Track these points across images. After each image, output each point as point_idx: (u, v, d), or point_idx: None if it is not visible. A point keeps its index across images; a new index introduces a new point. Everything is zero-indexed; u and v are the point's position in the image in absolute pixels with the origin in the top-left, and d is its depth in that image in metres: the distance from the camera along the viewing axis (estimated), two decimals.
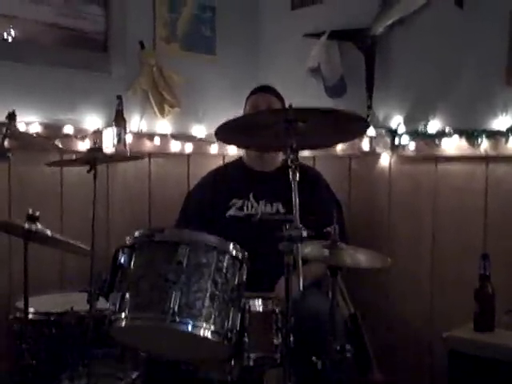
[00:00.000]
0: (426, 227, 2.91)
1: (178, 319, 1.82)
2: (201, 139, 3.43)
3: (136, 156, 2.27)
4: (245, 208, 2.76)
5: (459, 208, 2.80)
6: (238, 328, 1.94)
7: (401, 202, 3.02)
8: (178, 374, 2.25)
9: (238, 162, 2.97)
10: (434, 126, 2.87)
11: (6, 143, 2.41)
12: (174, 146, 3.35)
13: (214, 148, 3.48)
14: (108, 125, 3.07)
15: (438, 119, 2.87)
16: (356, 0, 3.18)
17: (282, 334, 2.07)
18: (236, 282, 1.97)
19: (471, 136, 2.72)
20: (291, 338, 1.96)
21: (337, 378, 2.24)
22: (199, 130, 3.45)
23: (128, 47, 3.20)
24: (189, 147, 3.40)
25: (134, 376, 2.16)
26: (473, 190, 2.75)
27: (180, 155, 3.38)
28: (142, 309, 1.86)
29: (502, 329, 2.41)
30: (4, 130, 2.39)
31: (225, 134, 2.07)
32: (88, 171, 2.05)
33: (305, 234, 1.90)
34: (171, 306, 1.82)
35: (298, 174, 1.90)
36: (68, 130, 2.97)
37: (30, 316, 2.35)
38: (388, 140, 3.01)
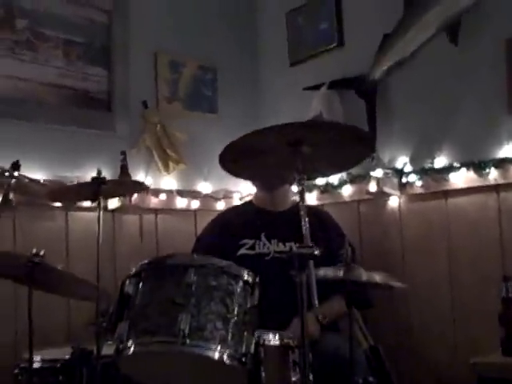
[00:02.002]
0: (441, 263, 2.84)
1: (188, 342, 1.72)
2: (207, 195, 3.43)
3: (138, 182, 2.19)
4: (256, 247, 2.69)
5: (474, 239, 2.74)
6: (252, 353, 1.84)
7: (414, 240, 2.96)
8: None
9: (248, 203, 2.95)
10: (440, 161, 2.86)
11: (11, 195, 2.42)
12: (180, 203, 3.34)
13: (220, 204, 3.47)
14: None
15: (444, 155, 2.86)
16: (352, 49, 3.26)
17: (299, 369, 1.98)
18: (248, 305, 1.88)
19: (479, 167, 2.70)
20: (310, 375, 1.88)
21: None
22: (205, 187, 3.44)
23: (131, 106, 3.25)
24: (195, 204, 3.39)
25: None
26: (486, 220, 2.70)
27: (186, 211, 3.36)
28: (150, 333, 1.76)
29: None
30: (9, 179, 2.40)
31: (229, 160, 2.04)
32: (92, 201, 2.02)
33: (317, 252, 1.86)
34: (181, 328, 1.73)
35: (305, 212, 1.89)
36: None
37: (36, 365, 2.24)
38: (395, 180, 2.99)
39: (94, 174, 2.97)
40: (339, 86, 3.25)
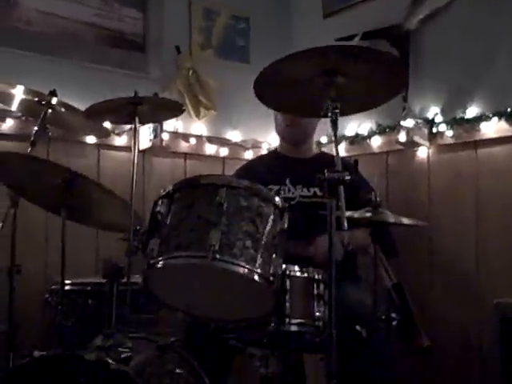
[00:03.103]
0: (468, 213, 2.83)
1: (218, 257, 1.75)
2: (236, 143, 3.45)
3: (176, 102, 2.16)
4: (282, 192, 2.70)
5: (502, 190, 2.72)
6: (280, 274, 1.87)
7: (441, 191, 2.96)
8: (217, 342, 2.19)
9: (273, 152, 2.96)
10: (471, 111, 2.84)
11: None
12: (209, 149, 3.37)
13: (248, 154, 3.50)
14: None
15: (476, 105, 2.84)
16: (385, 0, 3.24)
17: (323, 301, 2.01)
18: (278, 228, 1.91)
19: (510, 116, 2.68)
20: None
21: (383, 345, 2.17)
22: (234, 135, 3.47)
23: (165, 50, 3.28)
24: (224, 151, 3.42)
25: (170, 340, 2.06)
26: None
27: (215, 158, 3.39)
28: (181, 248, 1.80)
29: None
30: (45, 108, 2.44)
31: (262, 87, 2.05)
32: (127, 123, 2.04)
33: (347, 177, 1.87)
34: (212, 244, 1.76)
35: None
36: (106, 125, 3.00)
37: (66, 287, 2.31)
38: (425, 130, 2.98)
39: None
40: (372, 37, 3.23)
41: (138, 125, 2.04)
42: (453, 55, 2.96)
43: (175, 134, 3.24)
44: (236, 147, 3.45)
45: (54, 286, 2.37)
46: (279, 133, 2.84)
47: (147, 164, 3.13)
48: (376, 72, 1.94)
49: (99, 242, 2.87)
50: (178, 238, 1.83)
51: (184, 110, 2.17)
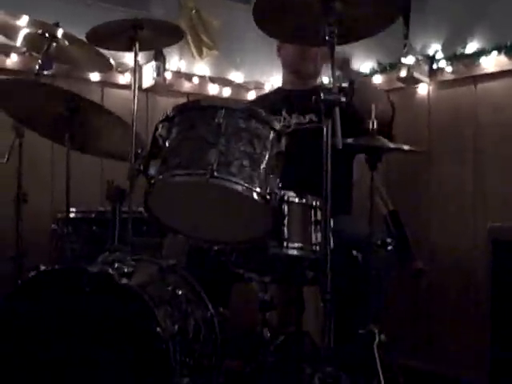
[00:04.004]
0: (467, 146, 2.88)
1: (216, 174, 1.80)
2: (238, 84, 3.48)
3: (177, 27, 2.18)
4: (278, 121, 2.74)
5: (500, 123, 2.76)
6: (276, 193, 1.92)
7: (441, 127, 3.00)
8: (218, 267, 2.26)
9: (276, 89, 2.99)
10: (471, 47, 2.86)
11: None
12: (212, 89, 3.40)
13: (251, 94, 3.53)
14: (148, 61, 3.14)
15: (476, 41, 2.86)
16: None
17: (320, 227, 2.06)
18: (275, 151, 1.95)
19: (510, 50, 2.70)
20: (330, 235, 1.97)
21: (378, 268, 2.23)
22: (236, 76, 3.50)
23: None
24: (227, 91, 3.45)
25: (171, 262, 2.13)
26: None
27: (218, 98, 3.42)
28: (181, 167, 1.86)
29: None
30: (49, 39, 2.47)
31: (261, 13, 2.07)
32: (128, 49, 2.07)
33: (343, 99, 1.91)
34: (210, 163, 1.82)
35: None
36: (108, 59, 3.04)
37: (71, 215, 2.38)
38: (426, 67, 3.00)
39: (129, 56, 3.11)
40: None
41: (138, 51, 2.08)
42: None
43: (178, 74, 3.28)
44: (239, 88, 3.49)
45: (59, 215, 2.44)
46: (289, 66, 2.83)
47: (151, 102, 3.17)
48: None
49: (104, 171, 2.92)
50: (177, 158, 1.88)
51: (183, 35, 2.20)
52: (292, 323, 2.97)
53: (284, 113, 2.72)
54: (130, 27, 2.05)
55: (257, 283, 2.26)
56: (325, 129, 1.88)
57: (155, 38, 2.14)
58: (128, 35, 2.07)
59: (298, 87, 2.79)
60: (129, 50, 2.11)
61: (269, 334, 2.22)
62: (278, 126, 1.97)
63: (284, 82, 2.91)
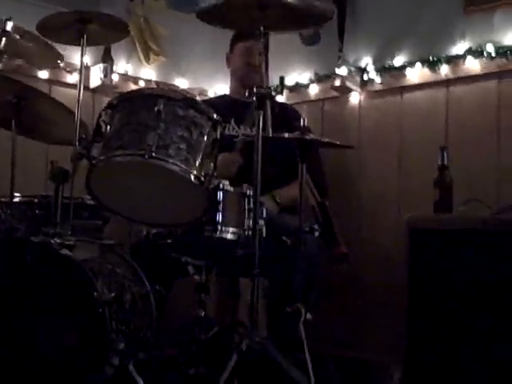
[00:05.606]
0: (393, 152, 3.12)
1: (155, 155, 1.95)
2: (184, 90, 3.63)
3: (123, 23, 2.33)
4: (226, 130, 2.91)
5: (423, 130, 3.01)
6: (212, 176, 2.07)
7: (370, 133, 3.22)
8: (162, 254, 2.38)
9: (223, 95, 3.17)
10: (399, 60, 3.11)
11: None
12: None
13: None
14: (96, 62, 3.27)
15: (403, 54, 3.11)
16: None
17: (253, 215, 2.21)
18: (211, 139, 2.11)
19: (432, 63, 2.96)
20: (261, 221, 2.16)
21: (305, 252, 2.40)
22: (182, 82, 3.66)
23: None
24: None
25: (111, 242, 2.25)
26: (436, 113, 2.97)
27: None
28: (122, 148, 1.99)
29: None
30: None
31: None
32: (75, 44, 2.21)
33: (274, 93, 2.12)
34: (149, 144, 1.96)
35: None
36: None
37: (15, 200, 2.47)
38: (358, 78, 3.24)
39: (78, 57, 3.24)
40: None
41: (85, 44, 2.22)
42: (384, 11, 3.21)
43: (125, 77, 3.42)
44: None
45: (3, 199, 2.52)
46: (238, 76, 3.03)
47: (97, 103, 3.29)
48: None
49: (49, 157, 3.01)
50: (119, 141, 2.02)
51: (129, 31, 2.35)
52: (228, 315, 3.13)
53: (233, 122, 2.90)
54: (78, 20, 2.19)
55: (192, 267, 2.40)
56: (256, 120, 2.08)
57: (102, 33, 2.28)
58: (76, 28, 2.20)
59: (246, 98, 2.98)
60: (77, 43, 2.24)
61: (203, 313, 2.34)
62: (214, 116, 2.14)
63: (232, 91, 3.10)
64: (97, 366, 1.77)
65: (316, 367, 2.18)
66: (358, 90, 3.25)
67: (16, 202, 2.47)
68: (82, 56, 2.25)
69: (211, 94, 3.74)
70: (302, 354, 2.20)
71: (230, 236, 2.22)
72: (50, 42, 2.50)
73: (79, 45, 2.27)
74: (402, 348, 2.49)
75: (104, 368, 1.78)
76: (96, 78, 3.24)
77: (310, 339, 2.20)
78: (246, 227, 2.24)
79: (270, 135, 2.08)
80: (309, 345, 2.20)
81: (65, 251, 1.92)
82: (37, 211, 2.47)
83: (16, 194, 2.47)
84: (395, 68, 3.10)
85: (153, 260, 2.41)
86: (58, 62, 2.67)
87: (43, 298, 1.88)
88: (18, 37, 2.58)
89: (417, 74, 3.02)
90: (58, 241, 1.97)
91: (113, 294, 1.90)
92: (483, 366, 2.29)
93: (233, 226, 2.22)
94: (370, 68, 3.21)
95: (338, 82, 3.25)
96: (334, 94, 3.33)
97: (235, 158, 2.67)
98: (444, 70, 2.93)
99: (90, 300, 1.82)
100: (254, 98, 2.09)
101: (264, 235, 2.19)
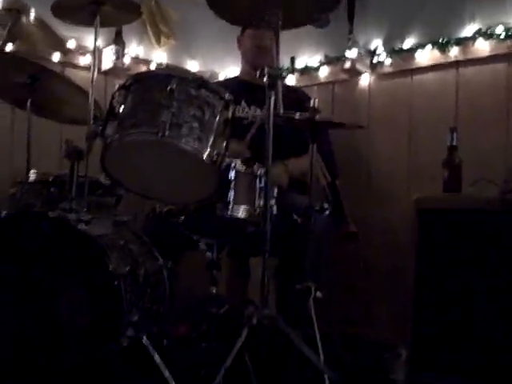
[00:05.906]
0: (402, 133, 3.15)
1: (168, 133, 1.99)
2: (195, 73, 3.66)
3: (137, 5, 2.36)
4: (236, 112, 2.94)
5: (432, 111, 3.03)
6: (223, 156, 2.11)
7: (379, 115, 3.25)
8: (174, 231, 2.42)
9: (233, 78, 3.20)
10: (408, 42, 3.12)
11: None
12: None
13: None
14: (108, 44, 3.30)
15: (413, 36, 3.12)
16: None
17: (264, 194, 2.25)
18: (223, 118, 2.14)
19: (442, 45, 2.97)
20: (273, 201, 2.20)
21: (315, 231, 2.44)
22: (193, 65, 3.69)
23: None
24: None
25: (125, 218, 2.30)
26: (445, 94, 2.99)
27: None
28: (135, 127, 2.03)
29: None
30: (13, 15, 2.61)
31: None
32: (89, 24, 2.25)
33: (284, 73, 2.16)
34: (164, 122, 2.00)
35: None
36: (71, 44, 3.20)
37: (30, 179, 2.51)
38: (368, 61, 3.26)
39: (90, 39, 3.27)
40: None
41: (98, 26, 2.26)
42: None
43: (137, 59, 3.45)
44: None
45: (18, 179, 2.57)
46: (249, 58, 3.07)
47: (109, 85, 3.32)
48: None
49: (63, 135, 3.04)
50: (133, 119, 2.05)
51: (141, 13, 2.38)
52: (238, 295, 3.18)
53: (243, 103, 2.94)
54: (92, 1, 2.22)
55: (204, 244, 2.44)
56: (267, 99, 2.11)
57: (115, 14, 2.31)
58: (90, 9, 2.24)
59: (256, 80, 3.00)
60: (90, 24, 2.28)
61: (215, 290, 2.39)
62: (226, 96, 2.17)
63: (242, 73, 3.13)
64: (113, 336, 1.82)
65: (324, 345, 2.23)
66: (368, 72, 3.27)
67: (31, 182, 2.53)
68: (95, 36, 2.29)
69: (222, 76, 3.77)
70: (310, 331, 2.25)
71: (241, 214, 2.27)
72: (50, 25, 2.54)
73: (92, 25, 2.30)
74: (410, 327, 2.53)
75: (119, 338, 1.83)
76: (108, 61, 3.27)
77: (318, 317, 2.25)
78: (257, 206, 2.29)
79: (281, 113, 2.11)
80: (317, 323, 2.24)
81: (81, 225, 1.96)
82: (52, 189, 2.52)
83: (32, 171, 2.52)
84: (405, 50, 3.12)
85: (162, 234, 2.47)
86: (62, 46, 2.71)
87: (60, 271, 1.93)
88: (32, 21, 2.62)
89: (427, 56, 3.04)
90: (74, 216, 2.02)
91: (128, 268, 1.94)
92: (491, 344, 2.32)
93: (244, 205, 2.27)
94: (380, 50, 3.23)
95: (348, 65, 3.27)
96: (344, 76, 3.35)
97: (242, 150, 2.69)
98: (454, 51, 2.95)
99: (106, 273, 1.87)
100: (265, 79, 2.12)
101: (275, 213, 2.24)
